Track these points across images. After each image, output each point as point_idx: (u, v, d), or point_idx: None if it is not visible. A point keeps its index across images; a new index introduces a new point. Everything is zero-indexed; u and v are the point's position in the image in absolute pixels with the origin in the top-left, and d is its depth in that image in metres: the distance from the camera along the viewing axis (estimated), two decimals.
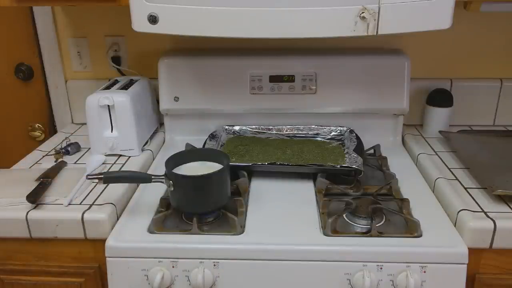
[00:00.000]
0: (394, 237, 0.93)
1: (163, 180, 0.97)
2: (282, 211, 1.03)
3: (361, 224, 0.97)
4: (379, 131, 1.38)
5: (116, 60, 1.47)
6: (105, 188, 1.08)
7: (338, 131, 1.34)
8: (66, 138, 1.40)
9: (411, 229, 0.95)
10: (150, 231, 0.96)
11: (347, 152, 1.20)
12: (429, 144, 1.33)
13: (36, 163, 1.24)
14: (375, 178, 1.17)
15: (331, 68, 1.33)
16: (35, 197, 1.00)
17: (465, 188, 1.07)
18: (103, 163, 1.21)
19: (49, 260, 1.03)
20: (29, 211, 0.98)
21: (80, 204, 1.02)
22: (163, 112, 1.39)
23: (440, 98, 1.38)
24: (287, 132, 1.36)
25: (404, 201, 1.01)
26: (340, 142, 1.29)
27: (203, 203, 0.98)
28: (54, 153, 1.28)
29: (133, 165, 1.21)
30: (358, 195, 1.06)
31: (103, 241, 0.94)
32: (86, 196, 1.05)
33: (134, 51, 1.48)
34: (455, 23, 0.96)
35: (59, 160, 1.24)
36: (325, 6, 0.91)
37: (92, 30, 1.46)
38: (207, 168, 1.01)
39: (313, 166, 1.14)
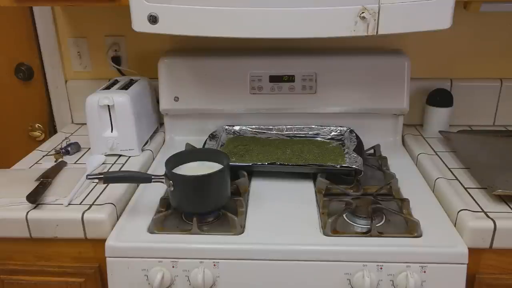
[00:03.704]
0: (394, 237, 0.93)
1: (163, 180, 0.97)
2: (282, 211, 1.03)
3: (361, 224, 0.97)
4: (379, 131, 1.38)
5: (116, 60, 1.47)
6: (105, 188, 1.08)
7: (338, 131, 1.34)
8: (66, 138, 1.40)
9: (411, 229, 0.95)
10: (150, 231, 0.96)
11: (347, 152, 1.20)
12: (429, 144, 1.33)
13: (36, 163, 1.24)
14: (375, 178, 1.17)
15: (331, 68, 1.33)
16: (35, 197, 1.00)
17: (465, 188, 1.07)
18: (103, 163, 1.21)
19: (49, 260, 1.03)
20: (29, 211, 0.98)
21: (80, 204, 1.02)
22: (163, 112, 1.39)
23: (440, 98, 1.38)
24: (287, 132, 1.36)
25: (404, 201, 1.01)
26: (340, 142, 1.29)
27: (203, 203, 0.98)
28: (54, 153, 1.28)
29: (133, 165, 1.21)
30: (358, 195, 1.06)
31: (103, 241, 0.94)
32: (86, 196, 1.05)
33: (134, 51, 1.48)
34: (455, 23, 0.96)
35: (59, 160, 1.24)
36: (325, 6, 0.91)
37: (92, 30, 1.46)
38: (207, 168, 1.01)
39: (313, 166, 1.14)
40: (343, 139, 1.30)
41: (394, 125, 1.38)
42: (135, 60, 1.49)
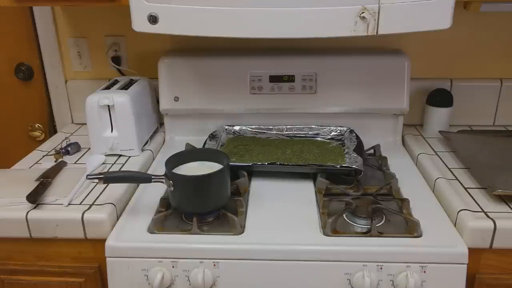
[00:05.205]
0: (394, 237, 0.93)
1: (163, 180, 0.97)
2: (282, 211, 1.03)
3: (361, 224, 0.97)
4: (379, 131, 1.38)
5: (116, 60, 1.47)
6: (105, 188, 1.08)
7: (338, 131, 1.34)
8: (66, 138, 1.40)
9: (411, 229, 0.95)
10: (150, 231, 0.96)
11: (347, 152, 1.20)
12: (429, 144, 1.33)
13: (36, 163, 1.24)
14: (375, 178, 1.17)
15: (331, 68, 1.33)
16: (35, 197, 1.00)
17: (465, 188, 1.07)
18: (103, 163, 1.21)
19: (49, 260, 1.03)
20: (29, 211, 0.98)
21: (80, 204, 1.02)
22: (163, 112, 1.39)
23: (440, 98, 1.38)
24: (287, 132, 1.36)
25: (404, 201, 1.01)
26: (340, 142, 1.29)
27: (203, 203, 0.98)
28: (54, 153, 1.28)
29: (133, 165, 1.21)
30: (358, 195, 1.06)
31: (103, 241, 0.94)
32: (86, 196, 1.05)
33: (134, 51, 1.48)
34: (455, 23, 0.96)
35: (59, 160, 1.24)
36: (325, 6, 0.91)
37: (92, 30, 1.46)
38: (207, 168, 1.01)
39: (313, 166, 1.14)
40: (343, 139, 1.30)
41: (394, 125, 1.38)
42: (135, 60, 1.49)
